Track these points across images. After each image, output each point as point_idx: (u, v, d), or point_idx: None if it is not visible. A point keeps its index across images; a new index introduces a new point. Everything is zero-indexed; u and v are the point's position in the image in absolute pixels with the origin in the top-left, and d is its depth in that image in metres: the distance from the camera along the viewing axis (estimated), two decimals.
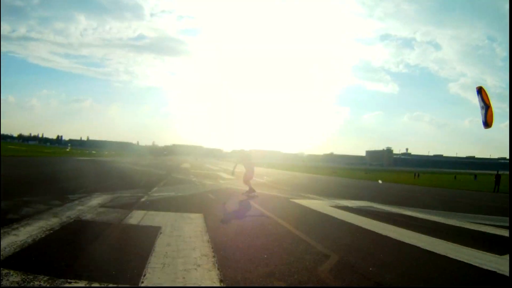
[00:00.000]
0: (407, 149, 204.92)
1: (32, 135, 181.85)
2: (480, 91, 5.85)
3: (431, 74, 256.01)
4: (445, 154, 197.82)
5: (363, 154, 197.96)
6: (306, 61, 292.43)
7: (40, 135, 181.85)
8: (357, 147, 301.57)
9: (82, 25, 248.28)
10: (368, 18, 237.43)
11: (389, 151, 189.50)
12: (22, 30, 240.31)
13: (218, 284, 2.44)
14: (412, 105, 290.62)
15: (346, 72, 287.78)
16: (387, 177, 38.78)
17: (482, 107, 5.75)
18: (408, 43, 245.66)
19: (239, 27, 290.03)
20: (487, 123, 5.77)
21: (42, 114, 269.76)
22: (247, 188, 8.85)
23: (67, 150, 63.48)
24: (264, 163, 67.58)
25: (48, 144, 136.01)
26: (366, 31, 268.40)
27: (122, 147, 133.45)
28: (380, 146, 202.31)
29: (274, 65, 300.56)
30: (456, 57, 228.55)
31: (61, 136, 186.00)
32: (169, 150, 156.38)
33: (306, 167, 70.63)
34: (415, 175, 52.94)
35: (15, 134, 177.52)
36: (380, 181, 25.64)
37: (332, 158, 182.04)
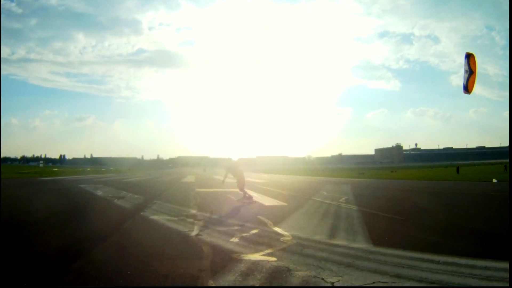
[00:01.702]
0: (416, 144, 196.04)
1: (35, 156, 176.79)
2: (469, 57, 5.51)
3: (431, 68, 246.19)
4: (454, 146, 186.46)
5: (372, 152, 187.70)
6: (306, 64, 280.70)
7: (43, 156, 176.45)
8: (365, 146, 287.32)
9: (81, 43, 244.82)
10: (366, 16, 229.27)
11: (398, 147, 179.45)
12: (21, 52, 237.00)
13: None
14: (415, 101, 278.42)
15: (346, 72, 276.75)
16: (424, 175, 32.80)
17: (466, 71, 5.42)
18: (407, 38, 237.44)
19: (235, 32, 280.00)
20: (467, 89, 5.47)
21: (46, 134, 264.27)
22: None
23: (51, 169, 55.52)
24: (277, 169, 60.01)
25: (50, 164, 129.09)
26: (365, 30, 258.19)
27: (126, 162, 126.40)
28: (387, 143, 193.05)
29: (275, 70, 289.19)
30: (456, 49, 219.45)
31: (64, 156, 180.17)
32: (174, 163, 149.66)
33: (327, 171, 62.95)
34: (457, 169, 44.44)
35: (18, 156, 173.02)
36: (495, 180, 18.14)
37: (341, 159, 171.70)
